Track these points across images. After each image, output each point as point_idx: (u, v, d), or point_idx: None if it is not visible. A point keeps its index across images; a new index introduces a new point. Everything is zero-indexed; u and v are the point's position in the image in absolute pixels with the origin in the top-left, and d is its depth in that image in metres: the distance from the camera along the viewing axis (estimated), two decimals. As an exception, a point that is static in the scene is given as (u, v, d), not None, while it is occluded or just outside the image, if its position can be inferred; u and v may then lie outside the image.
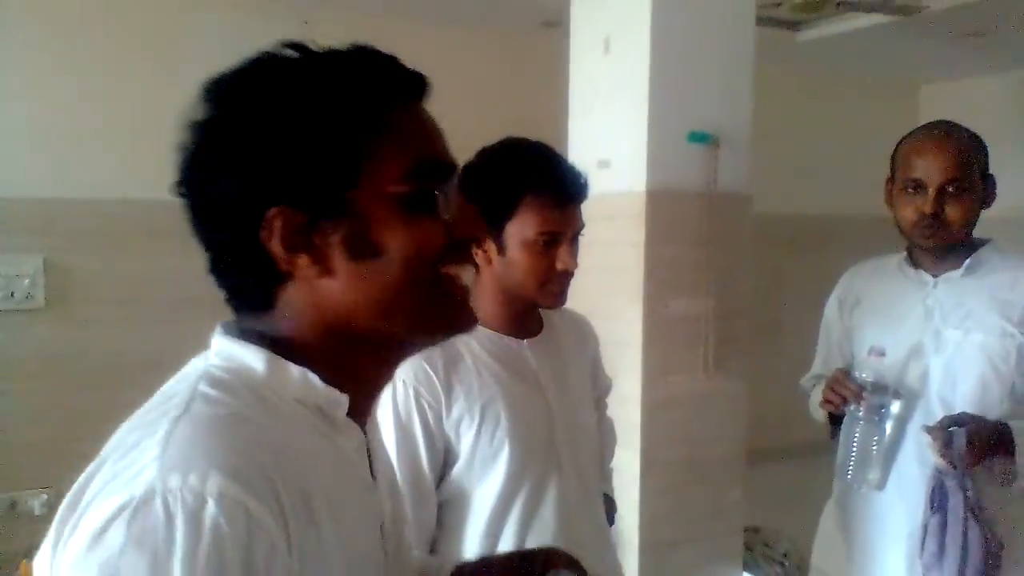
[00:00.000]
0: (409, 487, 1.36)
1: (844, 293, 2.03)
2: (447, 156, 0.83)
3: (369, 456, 0.84)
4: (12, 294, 3.50)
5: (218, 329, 0.80)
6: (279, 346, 0.77)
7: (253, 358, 0.76)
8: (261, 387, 0.75)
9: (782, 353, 4.59)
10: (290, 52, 0.78)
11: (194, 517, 0.62)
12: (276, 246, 0.75)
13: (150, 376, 3.33)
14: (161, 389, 0.77)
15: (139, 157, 3.65)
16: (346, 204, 0.75)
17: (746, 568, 2.71)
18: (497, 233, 1.43)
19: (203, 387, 0.73)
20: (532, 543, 1.43)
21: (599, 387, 1.74)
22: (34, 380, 3.54)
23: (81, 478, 0.69)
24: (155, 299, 3.71)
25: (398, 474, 1.36)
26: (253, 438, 0.69)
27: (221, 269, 0.81)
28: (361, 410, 0.82)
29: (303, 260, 0.75)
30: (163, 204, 3.31)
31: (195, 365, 0.78)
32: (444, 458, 1.41)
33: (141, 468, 0.65)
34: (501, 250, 1.44)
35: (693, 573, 2.61)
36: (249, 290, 0.80)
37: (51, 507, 3.53)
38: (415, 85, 0.82)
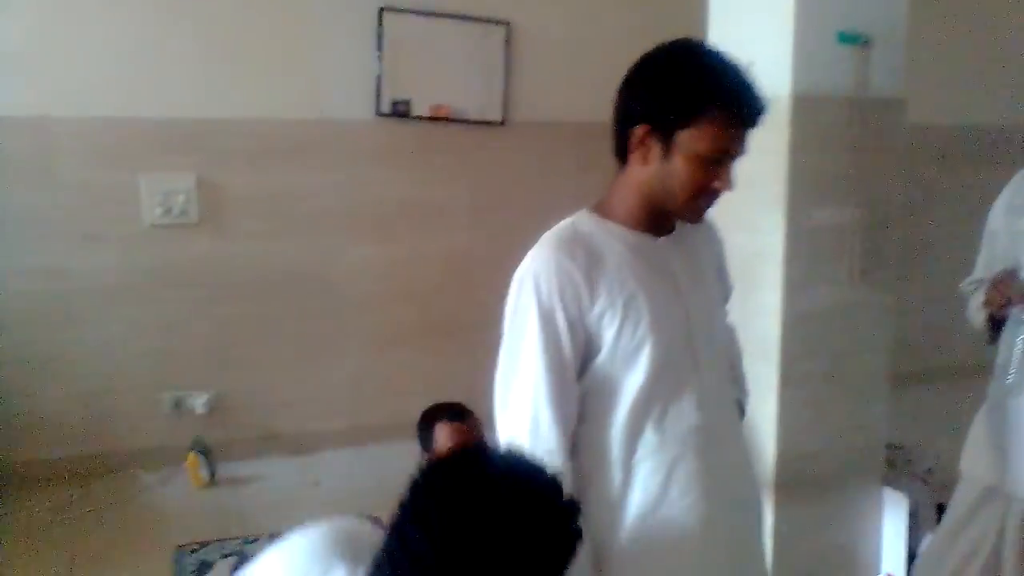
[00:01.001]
0: (552, 377, 1.38)
1: (1012, 196, 1.90)
2: None
3: None
4: (169, 210, 3.72)
5: None
6: None
7: None
8: None
9: (930, 275, 4.38)
10: None
11: None
12: None
13: (294, 285, 3.56)
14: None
15: (283, 78, 3.79)
16: None
17: (888, 484, 2.64)
18: (666, 136, 1.39)
19: None
20: (672, 438, 1.45)
21: (724, 289, 1.72)
22: (191, 289, 3.79)
23: None
24: (296, 213, 3.87)
25: (541, 364, 1.38)
26: None
27: None
28: None
29: None
30: (303, 123, 3.49)
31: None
32: (586, 350, 1.42)
33: None
34: (665, 154, 1.40)
35: (832, 486, 2.58)
36: None
37: (212, 406, 3.81)
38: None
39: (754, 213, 2.46)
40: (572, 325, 1.39)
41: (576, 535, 1.04)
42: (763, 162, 2.43)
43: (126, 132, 3.63)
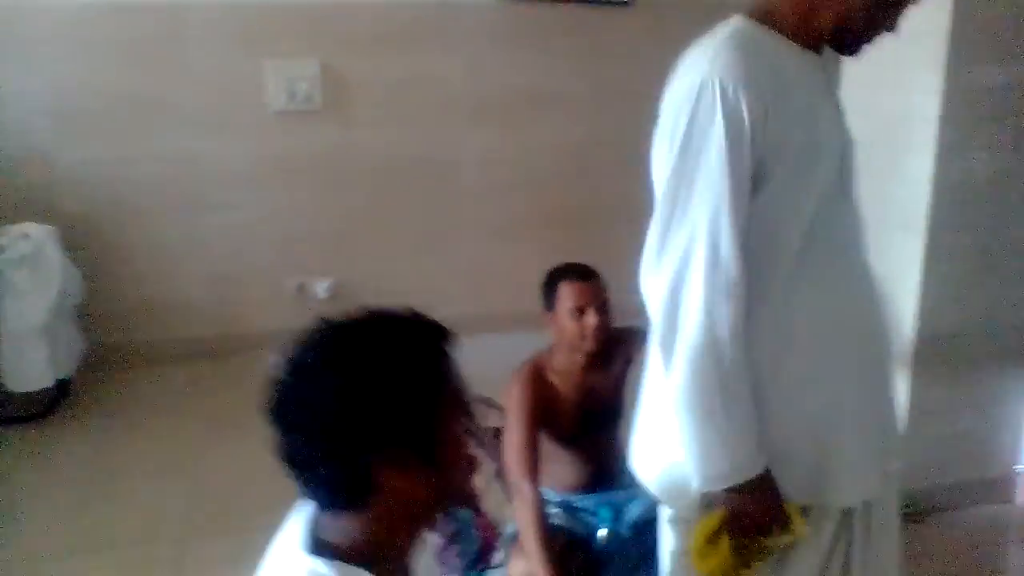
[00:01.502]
0: (737, 190, 1.25)
1: None
2: None
3: None
4: (294, 96, 3.74)
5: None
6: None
7: None
8: None
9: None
10: None
11: None
12: None
13: (414, 172, 3.48)
14: None
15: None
16: None
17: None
18: None
19: None
20: (835, 269, 1.37)
21: None
22: (315, 176, 3.83)
23: None
24: (417, 99, 3.83)
25: (726, 176, 1.25)
26: None
27: None
28: None
29: None
30: (424, 5, 3.35)
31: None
32: (759, 167, 1.27)
33: None
34: None
35: (973, 369, 2.41)
36: None
37: (333, 292, 3.88)
38: None
39: (905, 71, 2.24)
40: (753, 141, 1.25)
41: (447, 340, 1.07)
42: (920, 15, 2.19)
43: (252, 18, 3.65)
